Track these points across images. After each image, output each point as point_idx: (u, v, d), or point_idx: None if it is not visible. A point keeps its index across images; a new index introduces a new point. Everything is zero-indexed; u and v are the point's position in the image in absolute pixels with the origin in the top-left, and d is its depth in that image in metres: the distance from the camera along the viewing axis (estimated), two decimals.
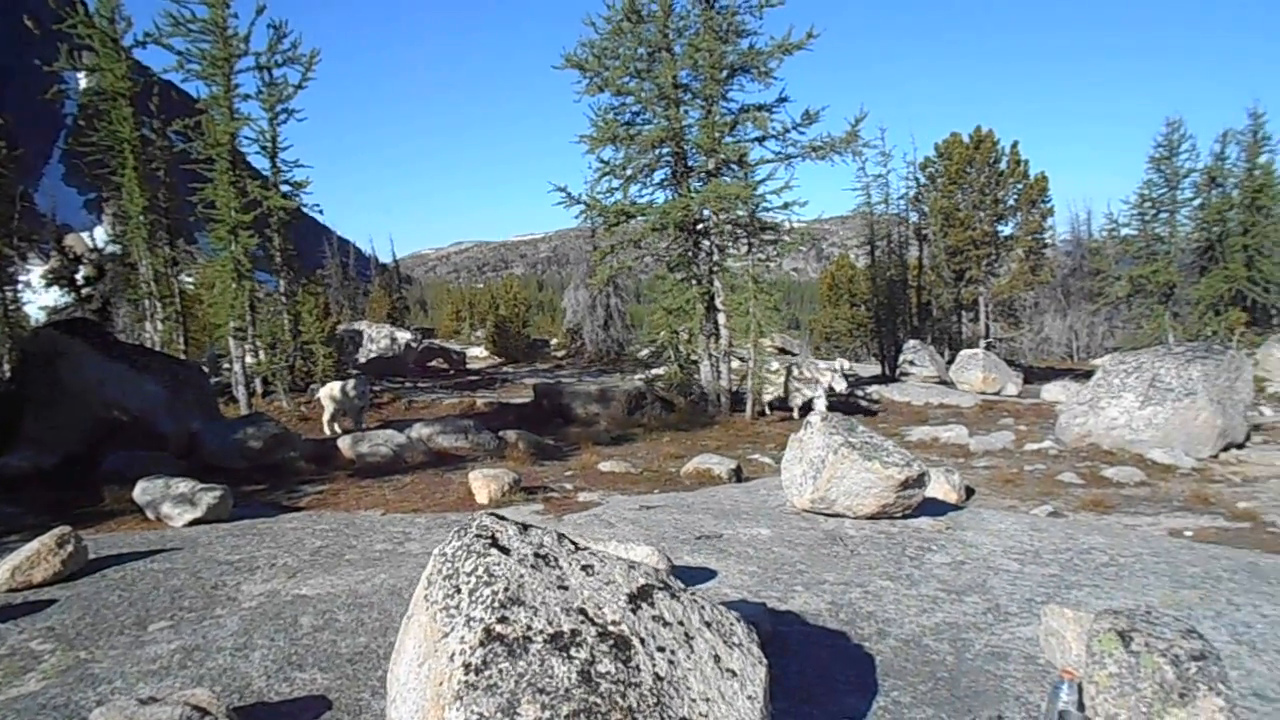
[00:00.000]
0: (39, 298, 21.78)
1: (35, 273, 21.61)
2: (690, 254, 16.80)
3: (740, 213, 16.40)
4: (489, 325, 35.42)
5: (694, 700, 2.74)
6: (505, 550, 3.02)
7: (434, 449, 11.34)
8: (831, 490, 6.81)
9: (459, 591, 2.82)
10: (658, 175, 17.22)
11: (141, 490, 7.50)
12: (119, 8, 16.63)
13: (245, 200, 15.86)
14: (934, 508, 7.36)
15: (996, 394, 20.53)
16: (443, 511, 7.90)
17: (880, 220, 28.38)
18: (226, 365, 17.69)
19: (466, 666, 2.58)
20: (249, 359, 16.28)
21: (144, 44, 15.80)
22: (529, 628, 2.71)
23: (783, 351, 29.55)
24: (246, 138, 16.68)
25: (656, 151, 16.69)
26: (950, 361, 23.82)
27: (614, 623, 2.85)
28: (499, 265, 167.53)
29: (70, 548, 5.41)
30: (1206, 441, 10.82)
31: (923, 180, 29.14)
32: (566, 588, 2.95)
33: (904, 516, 6.90)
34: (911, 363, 23.58)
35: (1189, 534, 6.93)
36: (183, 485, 7.49)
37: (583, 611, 2.85)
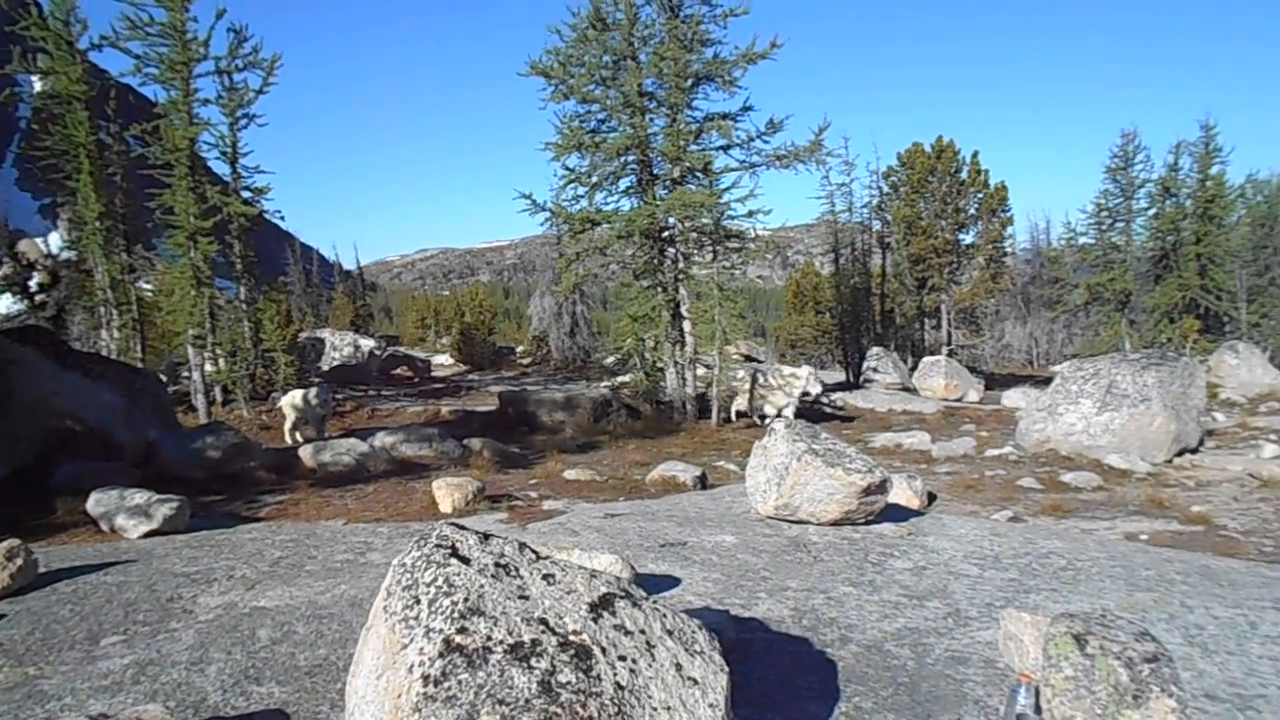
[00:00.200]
0: None
1: None
2: (656, 261, 16.84)
3: (705, 220, 16.47)
4: (454, 333, 35.22)
5: (655, 709, 2.73)
6: (465, 560, 2.99)
7: (397, 458, 11.24)
8: (795, 497, 6.85)
9: (418, 602, 2.79)
10: (623, 183, 17.28)
11: (95, 502, 7.35)
12: (74, 10, 16.34)
13: (205, 206, 15.62)
14: (897, 513, 7.43)
15: (958, 400, 20.78)
16: (406, 521, 7.83)
17: (844, 228, 28.71)
18: (185, 373, 17.39)
19: (425, 678, 2.55)
20: (208, 367, 16.03)
21: (100, 47, 15.56)
22: (489, 638, 2.69)
23: (748, 359, 29.70)
24: (206, 143, 16.49)
25: (622, 159, 16.71)
26: (913, 368, 24.09)
27: (575, 632, 2.83)
28: (465, 272, 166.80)
29: (20, 561, 5.27)
30: (1161, 447, 11.03)
31: (886, 189, 29.51)
32: (527, 597, 2.93)
33: (867, 522, 6.95)
34: (875, 370, 23.81)
35: (1144, 538, 7.06)
36: (138, 496, 7.35)
37: (544, 621, 2.83)
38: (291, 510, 8.54)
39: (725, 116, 16.67)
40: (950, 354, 26.23)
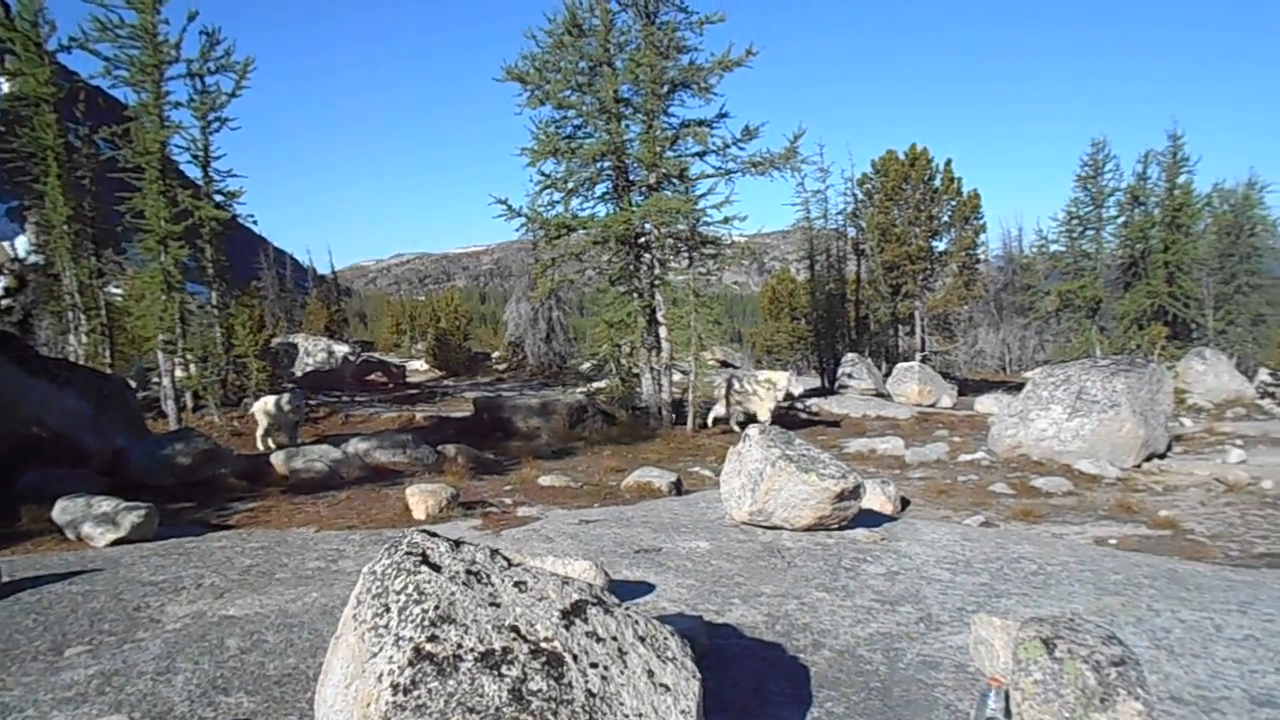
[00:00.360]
0: None
1: None
2: (632, 267, 16.85)
3: (681, 227, 16.52)
4: (430, 338, 35.04)
5: (627, 716, 2.73)
6: (436, 567, 2.98)
7: (371, 464, 11.16)
8: (770, 503, 6.86)
9: (388, 610, 2.77)
10: (599, 189, 17.30)
11: (61, 509, 7.23)
12: (42, 11, 16.13)
13: (176, 210, 15.45)
14: (870, 519, 7.46)
15: (932, 406, 20.96)
16: (379, 528, 7.77)
17: (819, 235, 28.87)
18: (155, 379, 17.19)
19: (395, 687, 2.53)
20: (179, 373, 15.84)
21: (69, 49, 15.36)
22: (459, 646, 2.68)
23: (724, 364, 29.76)
24: (177, 146, 16.31)
25: (598, 165, 16.72)
26: (887, 374, 24.26)
27: (546, 639, 2.83)
28: (441, 277, 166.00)
29: None
30: (1130, 452, 11.17)
31: (860, 196, 29.69)
32: (499, 605, 2.91)
33: (841, 528, 6.98)
34: (850, 375, 23.94)
35: (1113, 542, 7.14)
36: (105, 504, 7.24)
37: (515, 629, 2.82)
38: (262, 517, 8.44)
39: (701, 123, 16.74)
40: (924, 360, 26.42)
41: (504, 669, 2.65)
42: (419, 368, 33.24)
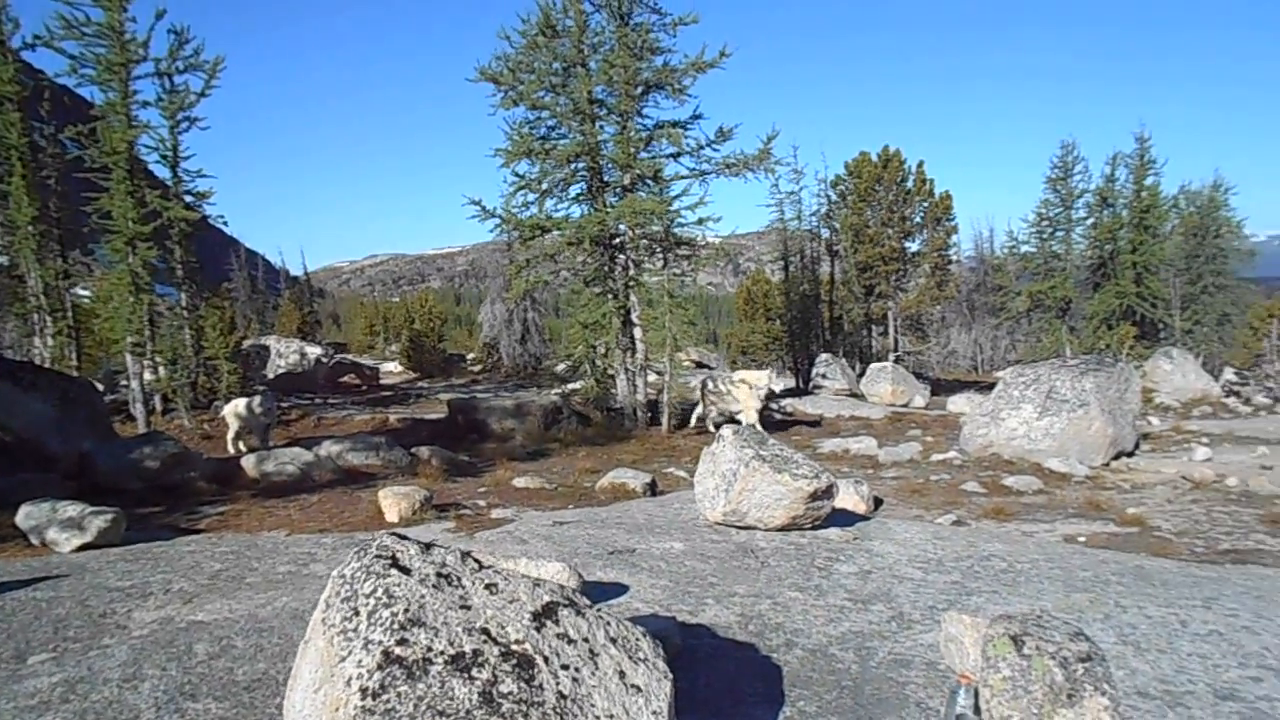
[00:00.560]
0: None
1: None
2: (606, 268, 16.83)
3: (655, 228, 16.52)
4: (404, 340, 34.76)
5: (598, 717, 2.73)
6: (406, 570, 2.96)
7: (343, 467, 11.06)
8: (743, 503, 6.89)
9: (357, 614, 2.75)
10: (573, 190, 17.24)
11: (25, 515, 7.10)
12: (5, 8, 15.82)
13: (144, 211, 15.22)
14: (843, 518, 7.51)
15: (905, 406, 21.11)
16: (351, 531, 7.70)
17: (794, 236, 29.02)
18: (124, 382, 16.94)
19: (364, 691, 2.52)
20: (148, 375, 15.62)
21: (33, 46, 15.08)
22: (429, 649, 2.66)
23: (699, 365, 29.86)
24: (146, 146, 16.03)
25: (572, 166, 16.68)
26: (861, 375, 24.41)
27: (517, 641, 2.82)
28: (415, 278, 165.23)
29: None
30: (1099, 450, 11.31)
31: (834, 197, 29.87)
32: (469, 607, 2.90)
33: (814, 528, 7.01)
34: (824, 376, 24.07)
35: (1082, 540, 7.22)
36: (71, 509, 7.12)
37: (485, 631, 2.81)
38: (233, 521, 8.34)
39: (675, 124, 16.75)
40: (897, 360, 26.64)
41: (474, 672, 2.64)
42: (393, 370, 33.00)
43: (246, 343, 24.88)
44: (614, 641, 3.05)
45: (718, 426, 15.35)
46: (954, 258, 31.84)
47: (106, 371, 19.34)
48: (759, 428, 13.34)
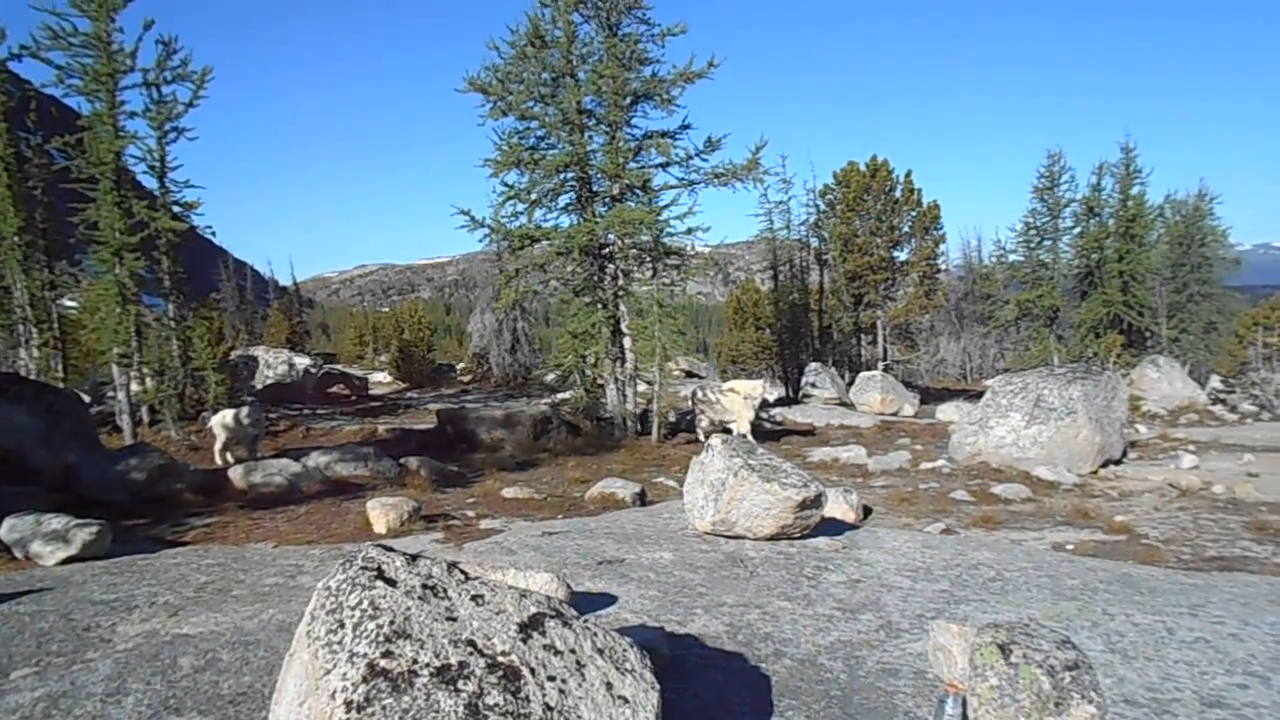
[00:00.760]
0: None
1: None
2: (595, 278, 16.84)
3: (645, 237, 16.54)
4: (393, 350, 34.67)
5: None
6: (392, 582, 2.94)
7: (332, 478, 11.01)
8: (732, 512, 6.88)
9: (342, 626, 2.74)
10: (562, 199, 17.25)
11: (9, 528, 7.04)
12: None
13: (131, 221, 15.14)
14: (832, 527, 7.52)
15: (894, 414, 21.16)
16: (339, 543, 7.66)
17: (783, 245, 29.12)
18: (110, 393, 16.82)
19: (348, 704, 2.50)
20: (135, 387, 15.51)
21: (19, 57, 14.98)
22: (415, 661, 2.65)
23: (689, 375, 29.89)
24: (133, 156, 15.94)
25: (561, 176, 16.70)
26: (850, 383, 24.47)
27: (504, 653, 2.80)
28: (405, 288, 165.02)
29: None
30: (1087, 458, 11.35)
31: (822, 207, 30.00)
32: (455, 619, 2.89)
33: (803, 537, 7.01)
34: (813, 385, 24.13)
35: (1070, 548, 7.24)
36: (55, 521, 7.06)
37: (471, 643, 2.80)
38: (220, 533, 8.29)
39: (664, 134, 16.79)
40: (886, 369, 26.71)
41: (460, 684, 2.62)
42: (382, 380, 32.90)
43: (235, 353, 24.79)
44: (601, 652, 3.04)
45: (707, 435, 15.38)
46: (942, 267, 32.02)
47: (93, 383, 19.20)
48: (750, 437, 13.38)
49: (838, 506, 8.14)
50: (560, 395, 18.77)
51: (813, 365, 26.16)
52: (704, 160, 17.00)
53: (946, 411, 19.44)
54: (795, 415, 19.44)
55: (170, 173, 16.52)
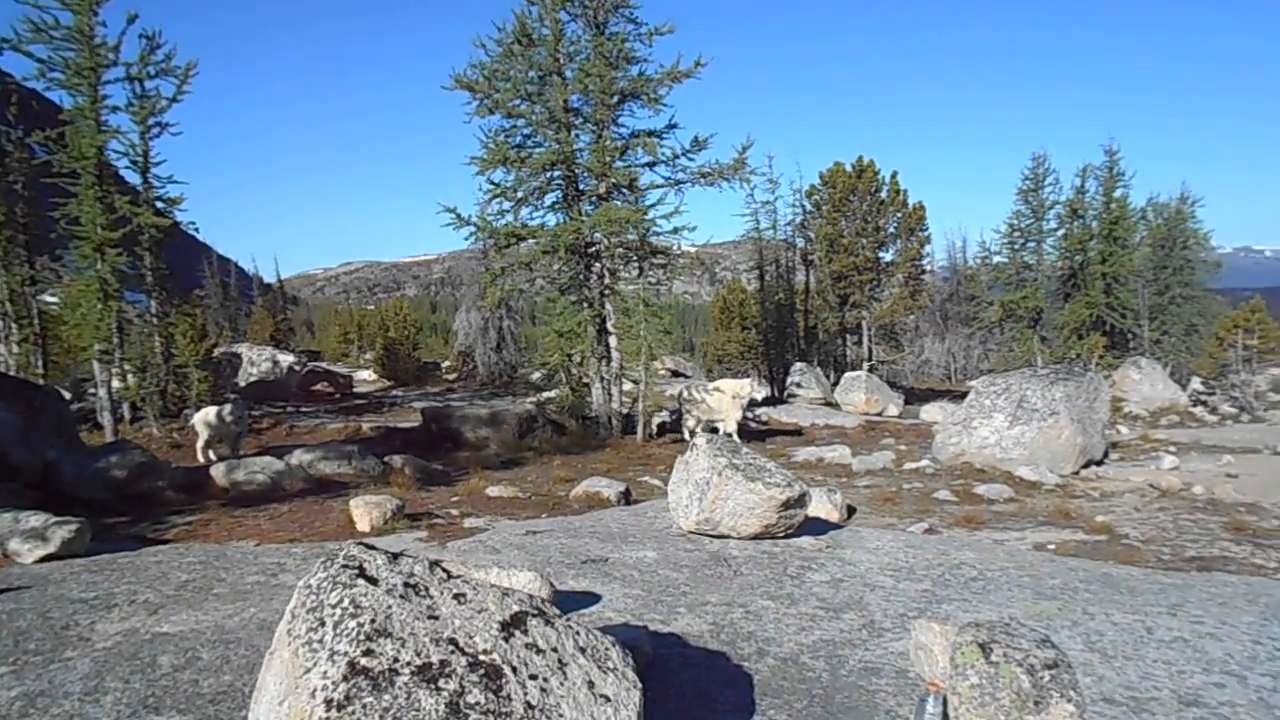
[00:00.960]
0: None
1: None
2: (582, 277, 16.83)
3: (631, 236, 16.54)
4: (378, 348, 34.54)
5: None
6: (373, 580, 2.93)
7: (315, 476, 10.95)
8: (716, 511, 6.89)
9: (323, 625, 2.72)
10: (549, 198, 17.21)
11: None
12: None
13: (113, 217, 15.01)
14: (816, 527, 7.54)
15: (879, 415, 21.25)
16: (321, 541, 7.62)
17: (769, 245, 29.20)
18: (91, 390, 16.68)
19: (328, 703, 2.49)
20: (116, 383, 15.38)
21: (0, 50, 14.84)
22: (396, 660, 2.64)
23: (675, 374, 29.92)
24: (115, 151, 15.79)
25: (548, 174, 16.67)
26: (835, 383, 24.56)
27: (485, 652, 2.80)
28: (391, 286, 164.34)
29: None
30: (1069, 459, 11.43)
31: (808, 207, 30.07)
32: (437, 617, 2.88)
33: (787, 536, 7.03)
34: (799, 385, 24.20)
35: (1051, 547, 7.29)
36: (34, 519, 6.99)
37: (453, 641, 2.79)
38: (201, 531, 8.23)
39: (651, 133, 16.78)
40: (871, 369, 26.80)
41: (441, 682, 2.62)
42: (367, 378, 32.79)
43: (218, 350, 24.66)
44: (583, 651, 3.04)
45: (692, 434, 15.39)
46: (927, 268, 32.18)
47: (74, 379, 19.04)
48: (735, 437, 13.41)
49: (822, 506, 8.17)
50: (546, 394, 18.74)
51: (798, 365, 26.24)
52: (690, 159, 17.02)
53: (931, 412, 19.54)
54: (780, 415, 19.50)
55: (153, 168, 16.41)
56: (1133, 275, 26.23)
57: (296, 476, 10.64)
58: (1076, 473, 11.38)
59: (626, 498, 9.80)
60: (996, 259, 28.57)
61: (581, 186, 16.86)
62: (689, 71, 16.25)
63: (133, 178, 16.59)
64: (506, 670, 2.76)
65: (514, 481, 10.79)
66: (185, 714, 3.66)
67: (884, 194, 28.91)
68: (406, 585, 2.97)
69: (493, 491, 10.07)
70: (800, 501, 6.90)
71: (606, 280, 16.71)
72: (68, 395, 15.79)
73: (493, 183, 16.72)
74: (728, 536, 6.98)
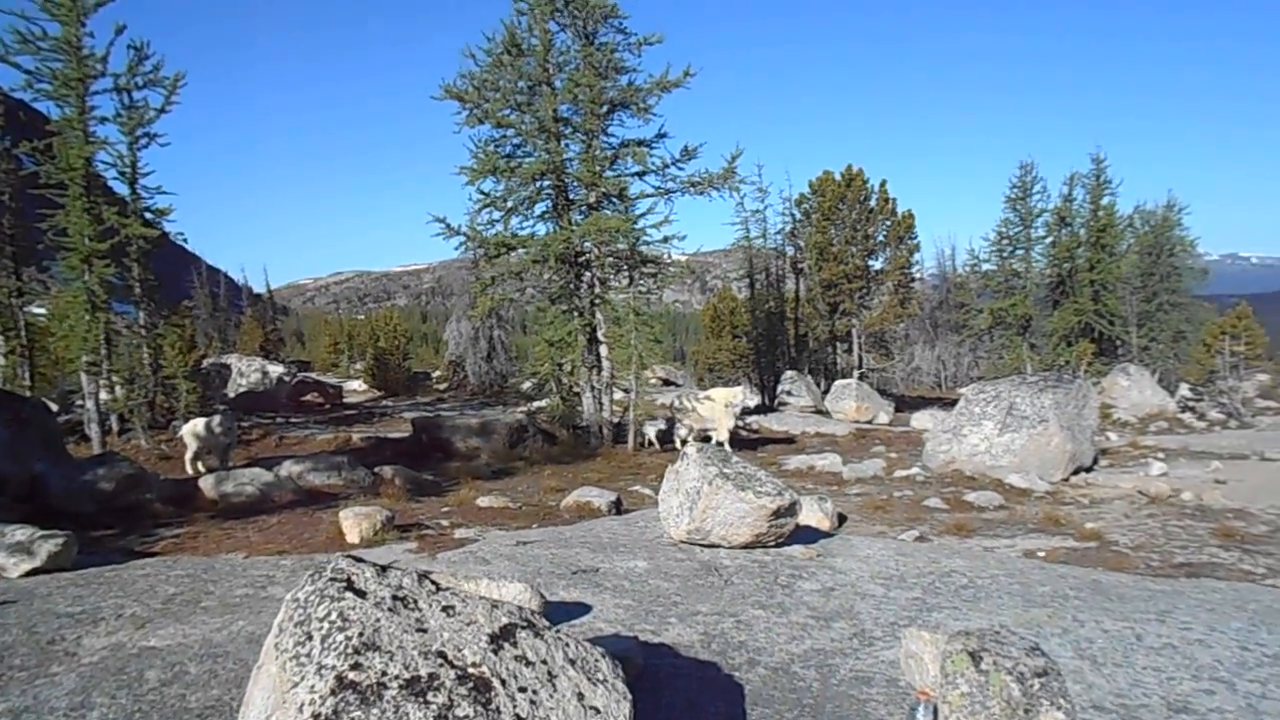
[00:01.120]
0: None
1: None
2: (572, 286, 16.83)
3: (621, 245, 16.56)
4: (368, 358, 34.43)
5: None
6: (361, 593, 2.92)
7: (304, 487, 10.90)
8: (707, 521, 6.89)
9: (310, 638, 2.71)
10: (539, 208, 17.24)
11: None
12: None
13: (101, 228, 14.93)
14: (807, 535, 7.54)
15: (869, 422, 21.28)
16: (310, 553, 7.58)
17: (759, 254, 29.23)
18: (79, 402, 16.56)
19: (316, 717, 2.47)
20: (104, 395, 15.28)
21: None
22: (384, 673, 2.62)
23: (666, 383, 29.89)
24: (104, 162, 15.70)
25: (537, 184, 16.69)
26: (826, 391, 24.60)
27: (474, 664, 2.78)
28: (381, 296, 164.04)
29: None
30: (1058, 466, 11.47)
31: (798, 216, 30.12)
32: (425, 630, 2.86)
33: (778, 545, 7.03)
34: (789, 393, 24.23)
35: (1041, 555, 7.31)
36: (20, 532, 6.92)
37: (442, 654, 2.77)
38: (189, 544, 8.18)
39: (640, 143, 16.83)
40: (861, 377, 26.84)
41: (430, 696, 2.60)
42: (357, 388, 32.67)
43: (207, 361, 24.51)
44: (573, 663, 3.03)
45: (684, 443, 15.37)
46: (917, 275, 32.21)
47: (61, 391, 18.91)
48: (727, 445, 13.41)
49: (812, 514, 8.17)
50: (536, 403, 18.71)
51: (789, 373, 26.27)
52: (680, 169, 17.08)
53: (921, 419, 19.58)
54: (771, 423, 19.51)
55: (141, 179, 16.29)
56: (1120, 282, 26.37)
57: (286, 488, 10.59)
58: (1066, 479, 11.42)
59: (617, 507, 9.78)
60: (985, 266, 28.69)
61: (571, 196, 16.88)
62: (678, 81, 16.31)
63: (121, 188, 16.50)
64: (495, 683, 2.74)
65: (505, 492, 10.77)
66: None
67: (873, 202, 28.99)
68: (395, 598, 2.96)
69: (483, 502, 10.04)
70: (791, 510, 6.90)
71: (597, 289, 16.72)
72: (55, 407, 15.69)
73: (483, 192, 16.75)
74: (719, 546, 6.98)
